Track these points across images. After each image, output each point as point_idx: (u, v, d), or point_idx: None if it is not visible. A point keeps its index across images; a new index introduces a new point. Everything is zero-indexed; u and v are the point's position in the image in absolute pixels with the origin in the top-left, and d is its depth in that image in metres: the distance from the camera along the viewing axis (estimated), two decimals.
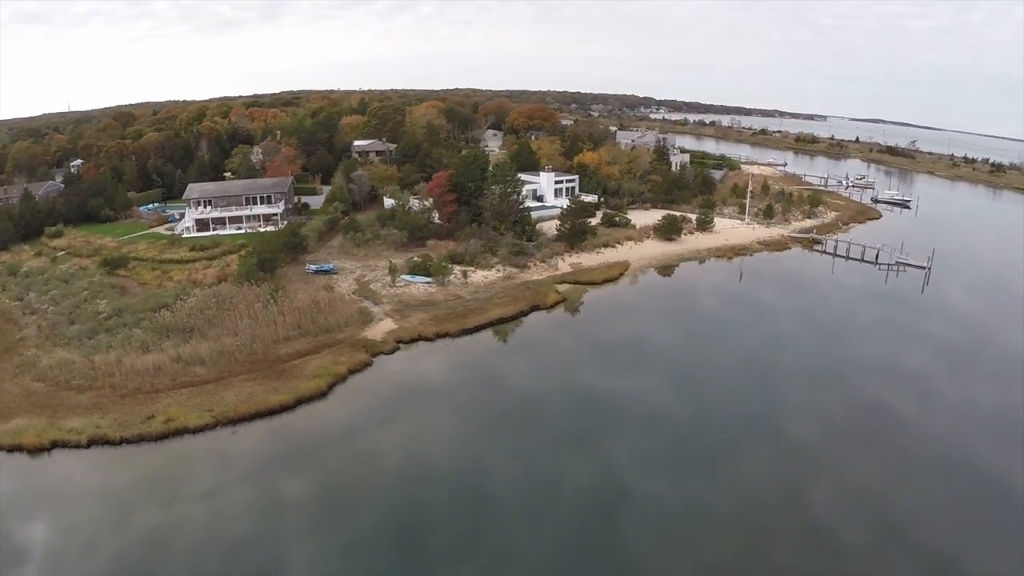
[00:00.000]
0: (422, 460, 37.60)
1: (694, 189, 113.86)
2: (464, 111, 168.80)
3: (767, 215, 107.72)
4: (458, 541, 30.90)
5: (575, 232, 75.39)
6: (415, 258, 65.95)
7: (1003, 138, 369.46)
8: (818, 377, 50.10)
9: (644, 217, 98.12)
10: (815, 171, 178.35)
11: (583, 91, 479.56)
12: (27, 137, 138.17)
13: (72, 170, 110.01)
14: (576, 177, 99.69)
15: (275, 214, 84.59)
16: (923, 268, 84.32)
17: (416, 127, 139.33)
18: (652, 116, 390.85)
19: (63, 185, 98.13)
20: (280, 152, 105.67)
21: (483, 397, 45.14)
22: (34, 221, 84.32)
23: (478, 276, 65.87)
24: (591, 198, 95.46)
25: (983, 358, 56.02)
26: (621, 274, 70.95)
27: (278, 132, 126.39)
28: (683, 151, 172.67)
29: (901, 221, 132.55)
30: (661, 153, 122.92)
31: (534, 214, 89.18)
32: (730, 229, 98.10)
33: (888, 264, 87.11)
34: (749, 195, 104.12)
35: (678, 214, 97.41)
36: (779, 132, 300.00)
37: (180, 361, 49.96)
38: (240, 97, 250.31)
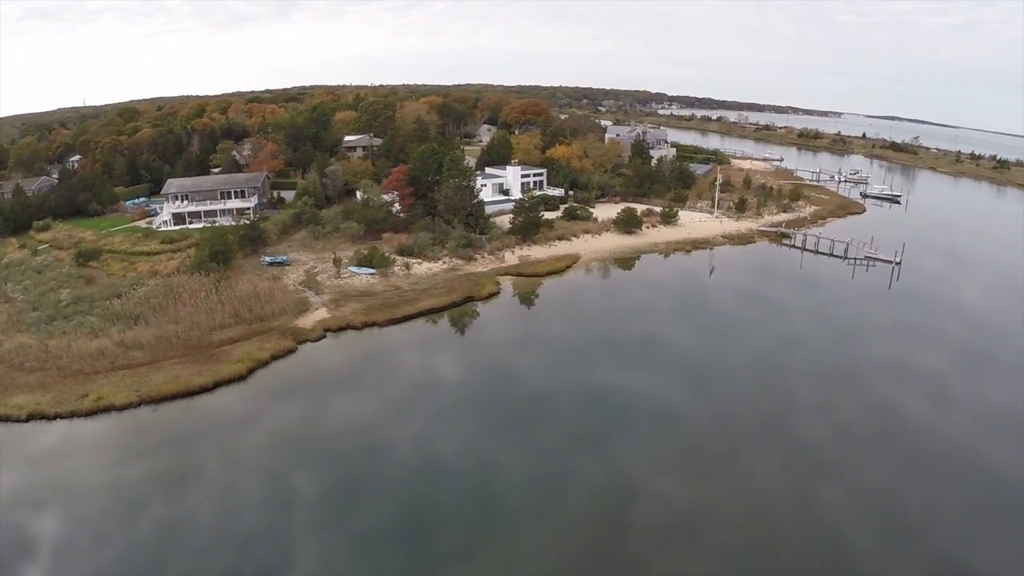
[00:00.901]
0: (310, 439, 39.98)
1: (669, 183, 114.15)
2: (459, 107, 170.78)
3: (739, 209, 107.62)
4: (330, 509, 33.21)
5: (527, 225, 76.95)
6: (363, 250, 68.38)
7: (1020, 136, 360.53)
8: (746, 374, 49.70)
9: (612, 211, 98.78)
10: (815, 167, 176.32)
11: (595, 87, 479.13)
12: (35, 133, 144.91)
13: (71, 166, 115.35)
14: (544, 171, 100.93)
15: (247, 208, 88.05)
16: (893, 263, 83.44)
17: (406, 122, 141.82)
18: (661, 112, 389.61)
19: (58, 180, 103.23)
20: (264, 148, 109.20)
21: (388, 383, 47.30)
22: (24, 215, 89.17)
23: (423, 268, 68.07)
24: (558, 192, 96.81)
25: (937, 354, 55.94)
26: (568, 267, 72.36)
27: (269, 128, 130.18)
28: (674, 145, 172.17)
29: (886, 216, 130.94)
30: (639, 147, 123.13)
31: (498, 207, 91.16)
32: (696, 223, 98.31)
33: (856, 259, 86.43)
34: (718, 189, 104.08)
35: (642, 207, 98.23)
36: (783, 128, 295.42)
37: (123, 346, 53.34)
38: (251, 92, 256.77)
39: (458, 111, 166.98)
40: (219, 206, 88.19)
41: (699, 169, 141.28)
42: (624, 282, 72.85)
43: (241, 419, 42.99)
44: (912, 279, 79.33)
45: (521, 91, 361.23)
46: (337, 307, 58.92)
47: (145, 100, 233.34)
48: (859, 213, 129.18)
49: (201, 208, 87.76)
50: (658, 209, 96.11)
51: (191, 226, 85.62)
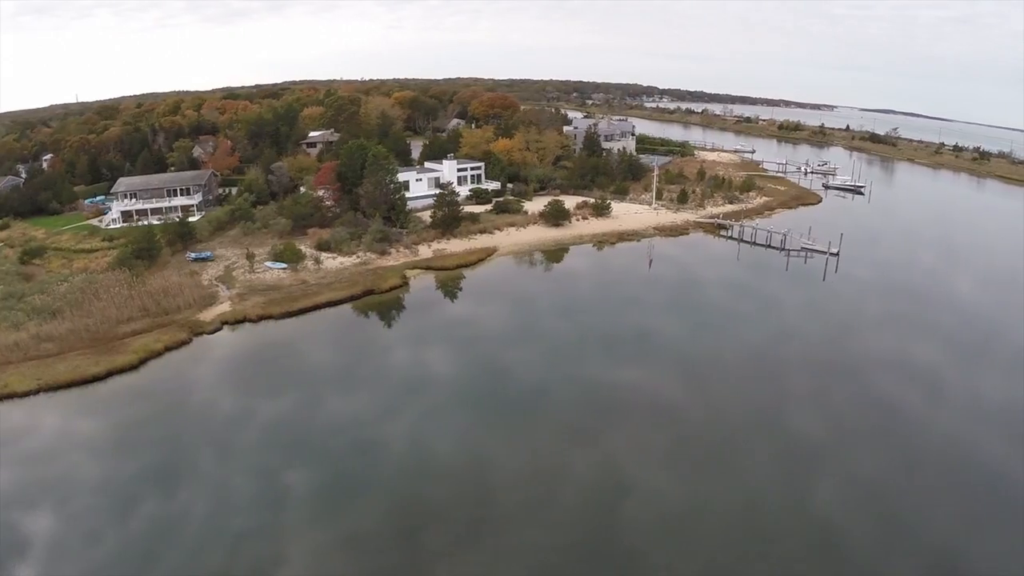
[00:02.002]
0: (188, 424, 43.69)
1: (617, 175, 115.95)
2: (429, 101, 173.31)
3: (681, 200, 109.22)
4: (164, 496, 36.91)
5: (448, 219, 79.88)
6: (279, 246, 71.95)
7: (1015, 130, 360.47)
8: (634, 366, 50.96)
9: (542, 204, 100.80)
10: (783, 158, 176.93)
11: (590, 80, 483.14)
12: (19, 130, 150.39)
13: (42, 165, 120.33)
14: (481, 164, 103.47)
15: (191, 205, 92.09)
16: (831, 254, 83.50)
17: (370, 118, 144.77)
18: (647, 105, 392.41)
19: (25, 179, 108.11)
20: (221, 145, 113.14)
21: (264, 372, 50.83)
22: None
23: (335, 263, 71.52)
24: (495, 185, 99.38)
25: (856, 346, 57.46)
26: (480, 260, 75.30)
27: (234, 125, 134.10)
28: (642, 138, 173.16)
29: (843, 207, 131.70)
30: (590, 139, 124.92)
31: (431, 201, 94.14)
32: (632, 215, 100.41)
33: (792, 250, 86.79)
34: (655, 180, 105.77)
35: (580, 200, 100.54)
36: (765, 120, 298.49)
37: (37, 338, 57.53)
38: (242, 88, 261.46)
39: (428, 105, 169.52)
40: (165, 203, 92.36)
41: (655, 161, 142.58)
42: (529, 275, 75.51)
43: (127, 403, 46.88)
44: (849, 270, 80.00)
45: (511, 85, 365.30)
46: (241, 301, 62.66)
47: (137, 96, 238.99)
48: (813, 204, 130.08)
49: (148, 206, 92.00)
50: (592, 201, 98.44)
51: (142, 223, 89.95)
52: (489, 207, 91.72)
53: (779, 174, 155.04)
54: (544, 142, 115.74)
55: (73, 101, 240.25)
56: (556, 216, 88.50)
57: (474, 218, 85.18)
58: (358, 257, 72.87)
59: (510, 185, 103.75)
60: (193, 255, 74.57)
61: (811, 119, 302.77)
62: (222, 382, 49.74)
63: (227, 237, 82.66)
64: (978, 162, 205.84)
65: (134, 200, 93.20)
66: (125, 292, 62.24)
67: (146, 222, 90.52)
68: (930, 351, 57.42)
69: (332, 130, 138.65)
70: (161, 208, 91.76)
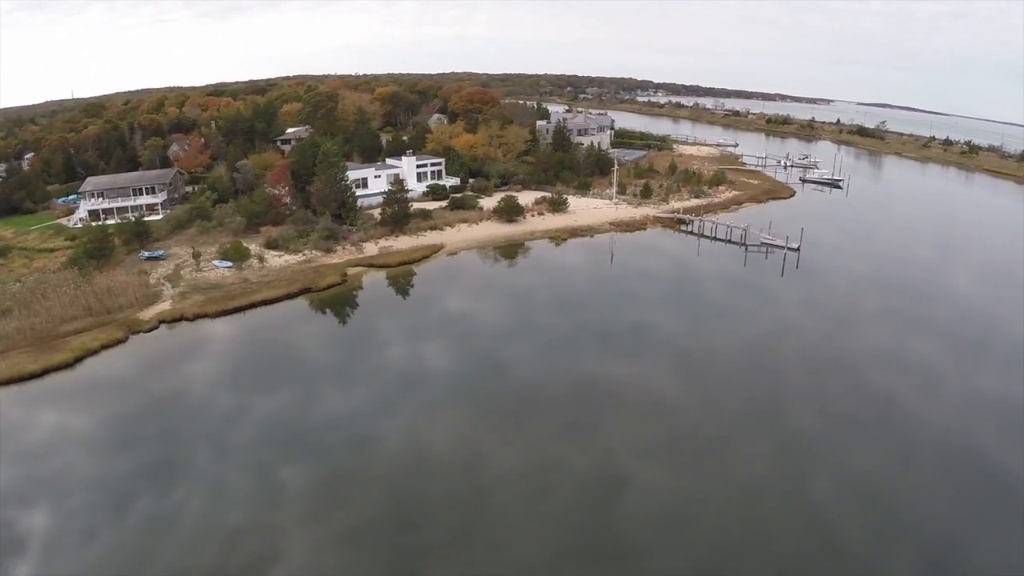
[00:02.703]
0: (105, 420, 46.04)
1: (584, 170, 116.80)
2: (410, 96, 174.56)
3: (644, 195, 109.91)
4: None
5: (397, 216, 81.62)
6: (226, 244, 74.12)
7: (1011, 124, 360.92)
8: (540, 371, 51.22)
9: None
10: (763, 152, 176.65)
11: (587, 75, 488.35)
12: (8, 128, 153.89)
13: (23, 163, 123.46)
14: (442, 160, 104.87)
15: (156, 204, 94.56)
16: (792, 249, 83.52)
17: (348, 113, 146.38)
18: (639, 99, 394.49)
19: (3, 179, 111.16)
20: (192, 144, 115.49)
21: (200, 372, 53.00)
22: None
23: (280, 261, 73.60)
24: (454, 181, 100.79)
25: (802, 345, 57.66)
26: (424, 257, 77.03)
27: (213, 123, 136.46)
28: (621, 131, 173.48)
29: (819, 201, 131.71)
30: (559, 134, 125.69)
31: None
32: (591, 210, 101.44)
33: (751, 245, 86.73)
34: (615, 175, 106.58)
35: (539, 195, 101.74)
36: (754, 114, 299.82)
37: None
38: (235, 83, 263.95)
39: (409, 101, 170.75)
40: (130, 202, 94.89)
41: (627, 156, 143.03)
42: (470, 272, 76.64)
43: (57, 399, 49.35)
44: (811, 265, 79.97)
45: (505, 80, 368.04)
46: (182, 299, 64.96)
47: (132, 92, 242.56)
48: (786, 198, 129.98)
49: (114, 205, 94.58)
50: (550, 197, 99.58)
51: (108, 222, 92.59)
52: (444, 204, 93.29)
53: (758, 168, 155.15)
54: (506, 137, 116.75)
55: (69, 97, 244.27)
56: (509, 212, 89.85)
57: (426, 215, 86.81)
58: (304, 255, 74.90)
59: (472, 180, 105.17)
60: (147, 254, 77.00)
61: (806, 113, 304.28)
62: (150, 380, 51.98)
63: (184, 236, 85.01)
64: (967, 156, 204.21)
65: (101, 199, 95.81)
66: (72, 292, 64.76)
67: (113, 221, 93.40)
68: (881, 347, 57.42)
69: (308, 127, 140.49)
70: (127, 207, 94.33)
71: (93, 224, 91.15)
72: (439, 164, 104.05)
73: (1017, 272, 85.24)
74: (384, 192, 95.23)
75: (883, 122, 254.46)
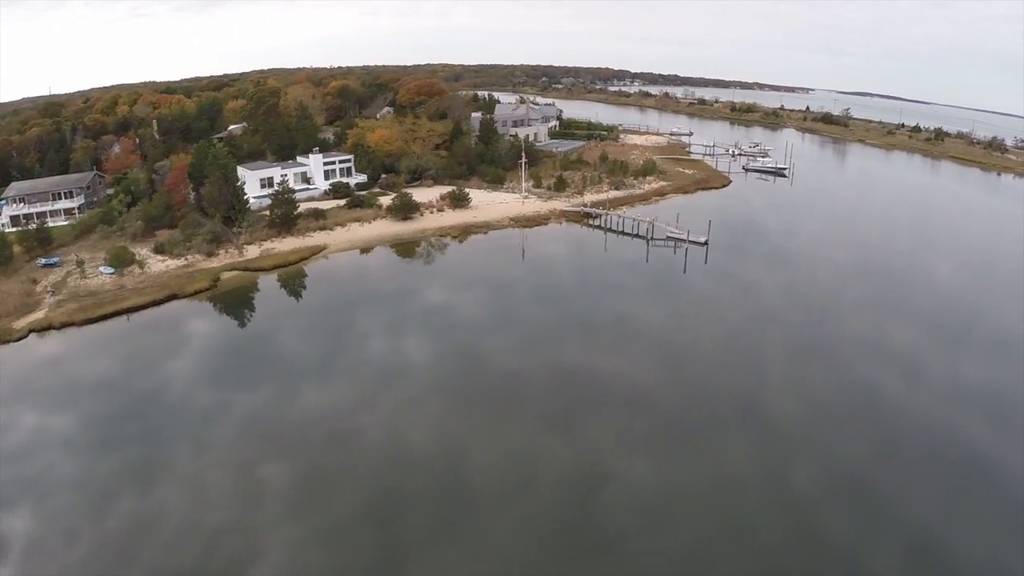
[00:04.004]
0: None
1: (506, 163, 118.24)
2: (360, 90, 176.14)
3: (558, 188, 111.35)
4: None
5: (283, 218, 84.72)
6: (112, 249, 78.01)
7: (993, 112, 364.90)
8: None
9: (423, 195, 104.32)
10: (723, 141, 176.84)
11: (565, 64, 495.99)
12: None
13: None
14: (351, 157, 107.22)
15: (73, 208, 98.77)
16: (687, 242, 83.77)
17: (289, 109, 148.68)
18: (610, 89, 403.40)
19: None
20: (123, 145, 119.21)
21: (58, 380, 55.99)
22: None
23: (162, 265, 77.29)
24: (362, 178, 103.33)
25: (697, 345, 57.95)
26: (302, 259, 79.93)
27: (155, 122, 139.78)
28: (568, 121, 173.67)
29: (756, 191, 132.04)
30: (486, 126, 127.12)
31: (300, 195, 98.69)
32: (497, 205, 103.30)
33: (656, 239, 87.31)
34: (524, 168, 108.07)
35: (435, 191, 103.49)
36: (720, 103, 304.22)
37: None
38: (209, 77, 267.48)
39: (358, 94, 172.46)
40: (49, 207, 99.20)
41: (562, 147, 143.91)
42: (342, 274, 78.23)
43: None
44: (720, 261, 79.73)
45: (480, 70, 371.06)
46: (57, 308, 69.06)
47: (107, 88, 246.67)
48: (717, 188, 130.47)
49: (34, 211, 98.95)
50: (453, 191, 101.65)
51: (29, 227, 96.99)
52: (341, 203, 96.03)
53: (706, 156, 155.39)
54: (419, 131, 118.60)
55: (46, 94, 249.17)
56: (404, 210, 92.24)
57: (320, 215, 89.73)
58: (185, 259, 78.56)
59: (385, 176, 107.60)
60: (43, 261, 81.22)
61: (785, 102, 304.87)
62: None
63: (89, 241, 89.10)
64: (931, 143, 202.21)
65: (23, 205, 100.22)
66: None
67: (33, 227, 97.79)
68: (775, 350, 57.46)
69: (247, 124, 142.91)
70: (45, 212, 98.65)
71: (18, 229, 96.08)
72: (348, 161, 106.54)
73: (937, 260, 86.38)
74: (297, 189, 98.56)
75: (847, 109, 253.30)
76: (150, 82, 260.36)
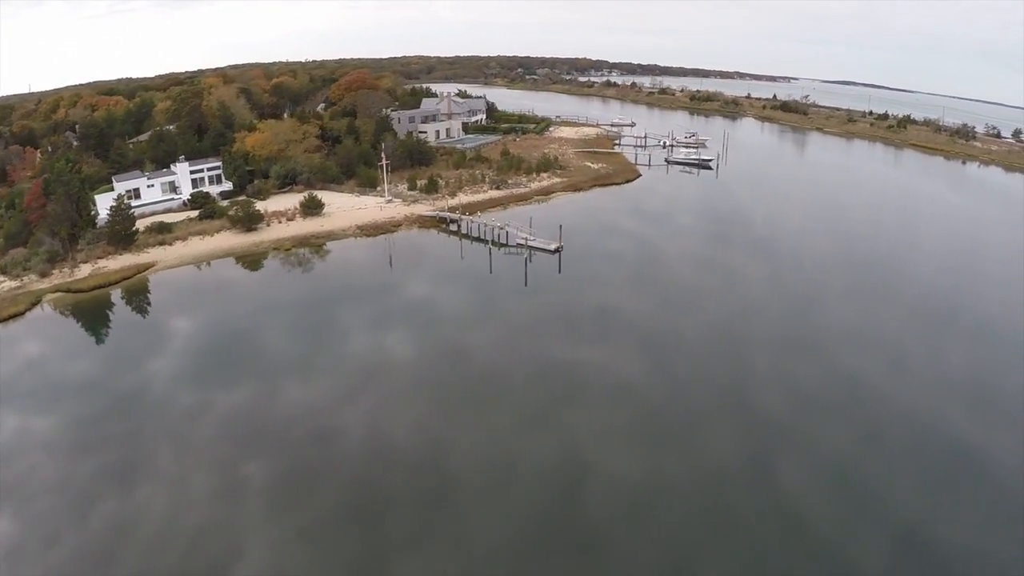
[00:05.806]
0: None
1: (398, 163, 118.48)
2: (295, 86, 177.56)
3: (428, 190, 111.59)
4: None
5: (120, 234, 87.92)
6: None
7: (978, 101, 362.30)
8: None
9: (282, 202, 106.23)
10: (657, 132, 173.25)
11: (546, 55, 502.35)
12: None
13: None
14: (219, 163, 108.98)
15: None
16: (551, 252, 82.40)
17: (212, 109, 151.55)
18: (580, 79, 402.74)
19: None
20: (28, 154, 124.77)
21: None
22: None
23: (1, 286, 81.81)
24: (227, 186, 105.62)
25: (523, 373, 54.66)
26: (125, 279, 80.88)
27: (76, 127, 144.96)
28: (502, 114, 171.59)
29: (663, 187, 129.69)
30: (382, 124, 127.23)
31: (164, 206, 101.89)
32: (354, 210, 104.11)
33: (510, 246, 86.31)
34: (386, 170, 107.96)
35: (294, 199, 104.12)
36: (681, 91, 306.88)
37: None
38: (186, 72, 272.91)
39: (294, 91, 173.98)
40: None
41: (472, 143, 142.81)
42: (156, 298, 78.13)
43: None
44: (574, 269, 76.93)
45: (454, 62, 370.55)
46: None
47: (85, 85, 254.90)
48: (619, 184, 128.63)
49: None
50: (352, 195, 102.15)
51: None
52: (193, 214, 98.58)
53: (637, 148, 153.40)
54: (282, 131, 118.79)
55: (25, 91, 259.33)
56: (248, 220, 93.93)
57: (164, 228, 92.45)
58: (20, 281, 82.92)
59: (257, 182, 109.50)
60: None
61: (760, 91, 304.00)
62: None
63: None
64: (893, 131, 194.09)
65: None
66: None
67: None
68: (618, 371, 54.41)
69: (175, 125, 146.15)
70: None
71: None
72: (216, 168, 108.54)
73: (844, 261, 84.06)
74: (159, 201, 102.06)
75: (806, 96, 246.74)
76: (132, 78, 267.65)
